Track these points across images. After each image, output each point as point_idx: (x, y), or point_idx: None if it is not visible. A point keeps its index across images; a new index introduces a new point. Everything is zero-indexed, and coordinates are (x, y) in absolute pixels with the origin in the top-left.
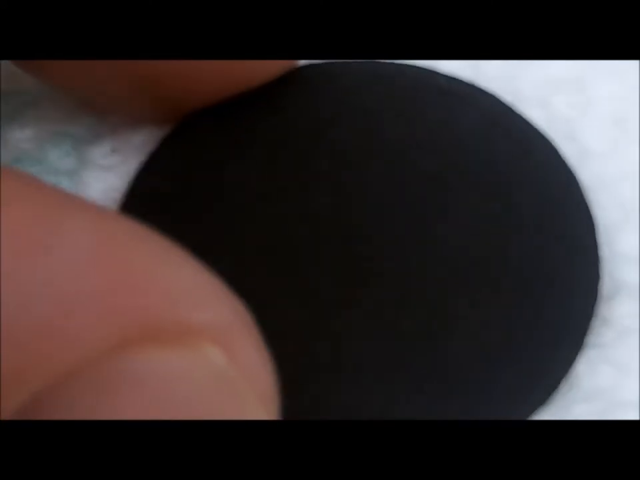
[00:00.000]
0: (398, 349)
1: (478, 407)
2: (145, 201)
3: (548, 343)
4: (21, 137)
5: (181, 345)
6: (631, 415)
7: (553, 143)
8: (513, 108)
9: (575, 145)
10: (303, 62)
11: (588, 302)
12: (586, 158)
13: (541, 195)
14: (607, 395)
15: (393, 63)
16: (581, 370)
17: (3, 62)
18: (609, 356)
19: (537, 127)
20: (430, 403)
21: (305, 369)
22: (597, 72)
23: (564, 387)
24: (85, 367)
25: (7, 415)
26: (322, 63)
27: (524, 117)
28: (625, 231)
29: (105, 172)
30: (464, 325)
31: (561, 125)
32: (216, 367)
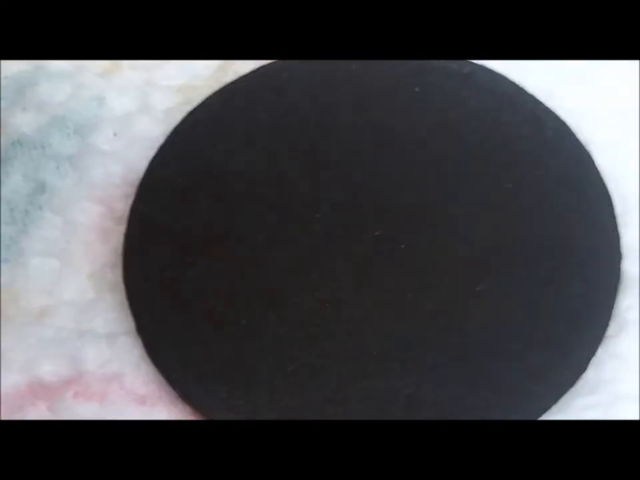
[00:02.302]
0: (418, 333)
1: (499, 394)
2: (158, 192)
3: (571, 328)
4: (22, 120)
5: None
6: (632, 409)
7: (563, 120)
8: (522, 86)
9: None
10: None
11: (611, 284)
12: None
13: (554, 170)
14: (610, 388)
15: None
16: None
17: None
18: (611, 348)
19: (546, 105)
20: (453, 390)
21: (327, 355)
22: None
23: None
24: None
25: None
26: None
27: (532, 94)
28: (627, 224)
29: (107, 157)
30: (484, 308)
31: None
32: None
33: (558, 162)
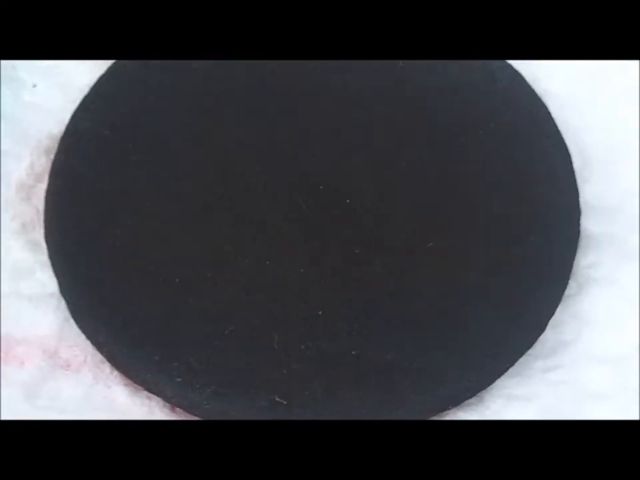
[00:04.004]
0: (367, 292)
1: (454, 357)
2: (81, 146)
3: (529, 287)
4: None
5: None
6: (595, 371)
7: (518, 71)
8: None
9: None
10: None
11: (570, 241)
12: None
13: (507, 122)
14: (571, 349)
15: None
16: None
17: None
18: (571, 308)
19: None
20: (403, 352)
21: (269, 315)
22: None
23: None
24: None
25: None
26: None
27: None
28: (587, 181)
29: (27, 109)
30: (436, 266)
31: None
32: None
33: (512, 113)
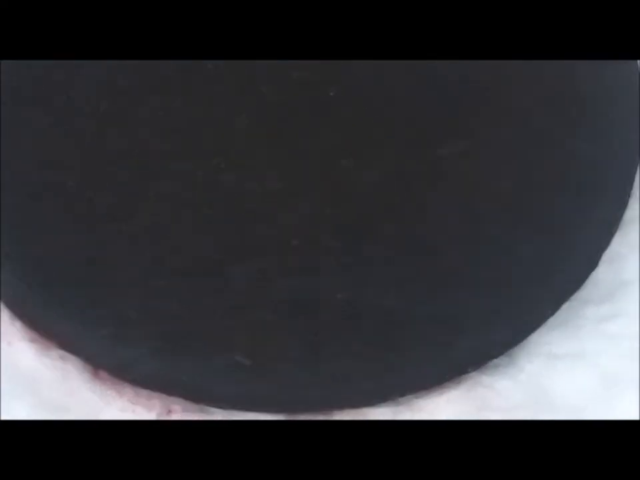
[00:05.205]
0: (358, 215)
1: (476, 301)
2: None
3: (578, 207)
4: None
5: None
6: None
7: None
8: None
9: None
10: None
11: (634, 147)
12: None
13: None
14: (633, 293)
15: None
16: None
17: None
18: (633, 237)
19: None
20: (406, 294)
21: (227, 246)
22: None
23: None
24: None
25: None
26: None
27: None
28: None
29: None
30: (450, 179)
31: None
32: None
33: None
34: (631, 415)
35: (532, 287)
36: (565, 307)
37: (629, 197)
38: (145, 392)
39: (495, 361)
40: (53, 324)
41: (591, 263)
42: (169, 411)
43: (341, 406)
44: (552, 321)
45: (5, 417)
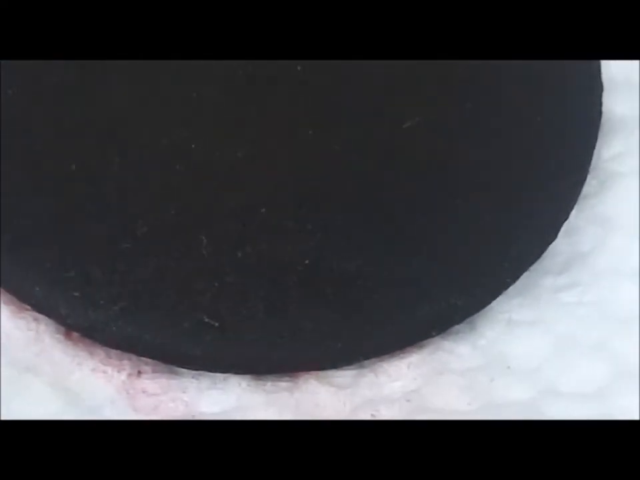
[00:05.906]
0: (322, 182)
1: (436, 268)
2: None
3: (534, 182)
4: None
5: None
6: (620, 289)
7: None
8: None
9: None
10: None
11: (590, 125)
12: None
13: None
14: (590, 262)
15: None
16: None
17: None
18: (589, 211)
19: None
20: (370, 260)
21: (193, 211)
22: None
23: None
24: None
25: None
26: None
27: None
28: None
29: None
30: (414, 151)
31: None
32: None
33: None
34: (582, 379)
35: (492, 256)
36: (525, 276)
37: (587, 172)
38: (115, 353)
39: (456, 327)
40: (25, 285)
41: (550, 235)
42: (139, 372)
43: (306, 367)
44: (512, 290)
45: None
